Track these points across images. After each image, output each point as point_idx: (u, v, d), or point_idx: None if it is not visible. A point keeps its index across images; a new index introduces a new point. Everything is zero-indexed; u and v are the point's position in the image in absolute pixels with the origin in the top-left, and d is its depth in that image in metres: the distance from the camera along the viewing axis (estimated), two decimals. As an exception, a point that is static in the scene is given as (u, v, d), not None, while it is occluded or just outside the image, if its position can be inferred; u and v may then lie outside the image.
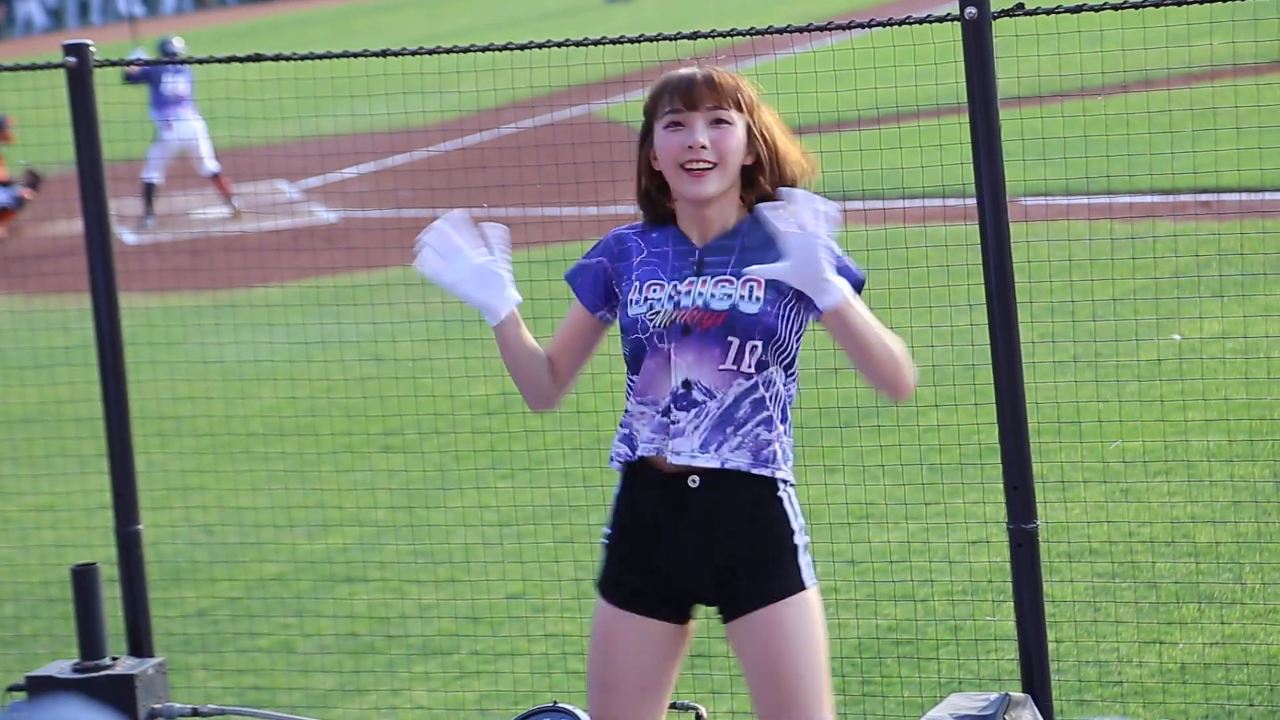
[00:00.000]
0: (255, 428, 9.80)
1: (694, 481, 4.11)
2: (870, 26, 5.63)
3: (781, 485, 4.16)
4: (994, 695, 5.29)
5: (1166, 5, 5.34)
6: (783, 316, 4.11)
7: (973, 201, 5.34)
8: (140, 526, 6.26)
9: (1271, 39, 7.90)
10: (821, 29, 5.62)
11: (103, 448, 6.37)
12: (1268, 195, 10.43)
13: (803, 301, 4.12)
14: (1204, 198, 11.44)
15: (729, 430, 4.09)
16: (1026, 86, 6.99)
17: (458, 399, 9.13)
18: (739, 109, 4.16)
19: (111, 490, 6.27)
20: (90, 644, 6.08)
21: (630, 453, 4.17)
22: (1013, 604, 5.38)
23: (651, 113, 4.19)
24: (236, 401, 10.39)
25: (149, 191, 18.64)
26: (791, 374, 4.18)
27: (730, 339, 4.09)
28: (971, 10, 5.23)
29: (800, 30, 5.59)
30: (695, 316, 4.11)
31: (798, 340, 4.16)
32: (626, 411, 4.20)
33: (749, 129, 4.17)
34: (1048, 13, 5.46)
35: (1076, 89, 8.97)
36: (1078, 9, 5.42)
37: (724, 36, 5.77)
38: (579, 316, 4.30)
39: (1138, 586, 6.78)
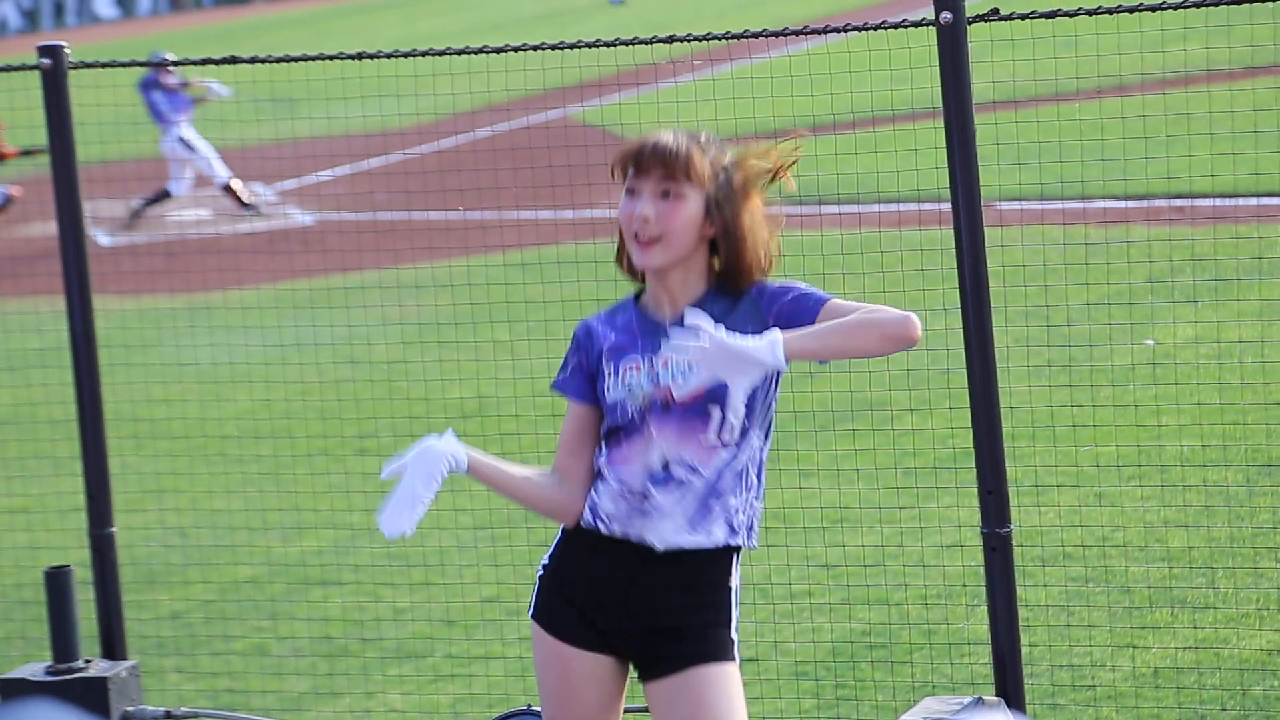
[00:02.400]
0: (230, 430, 9.78)
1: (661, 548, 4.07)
2: (846, 31, 5.64)
3: (736, 555, 4.11)
4: (967, 699, 5.30)
5: (1141, 10, 5.36)
6: (760, 382, 4.03)
7: (948, 206, 5.35)
8: (114, 529, 6.25)
9: (1244, 45, 7.93)
10: (797, 33, 5.63)
11: (76, 450, 6.36)
12: (1241, 201, 10.46)
13: None
14: (1178, 203, 11.47)
15: (713, 504, 4.05)
16: (1002, 91, 7.01)
17: (433, 402, 9.13)
18: (692, 181, 4.04)
19: (85, 492, 6.26)
20: (63, 646, 6.06)
21: (592, 521, 4.11)
22: (986, 608, 5.39)
23: (620, 174, 4.14)
24: (211, 404, 10.37)
25: (161, 196, 18.50)
26: (769, 433, 4.13)
27: (711, 408, 4.02)
28: (947, 15, 5.24)
29: (776, 34, 5.60)
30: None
31: (774, 397, 4.10)
32: (598, 475, 4.13)
33: (709, 202, 4.05)
34: (1022, 17, 5.48)
35: (1051, 94, 8.98)
36: (1052, 14, 5.43)
37: (700, 40, 5.78)
38: (579, 414, 4.19)
39: (1111, 591, 6.79)
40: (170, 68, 19.30)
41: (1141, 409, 7.96)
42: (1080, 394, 8.37)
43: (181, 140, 18.46)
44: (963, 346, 5.33)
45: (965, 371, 5.34)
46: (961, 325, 5.32)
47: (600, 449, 4.14)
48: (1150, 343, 9.42)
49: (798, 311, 4.03)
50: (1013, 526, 5.35)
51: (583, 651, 4.12)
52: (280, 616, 7.61)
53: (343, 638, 7.40)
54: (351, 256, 12.88)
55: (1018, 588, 5.38)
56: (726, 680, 4.06)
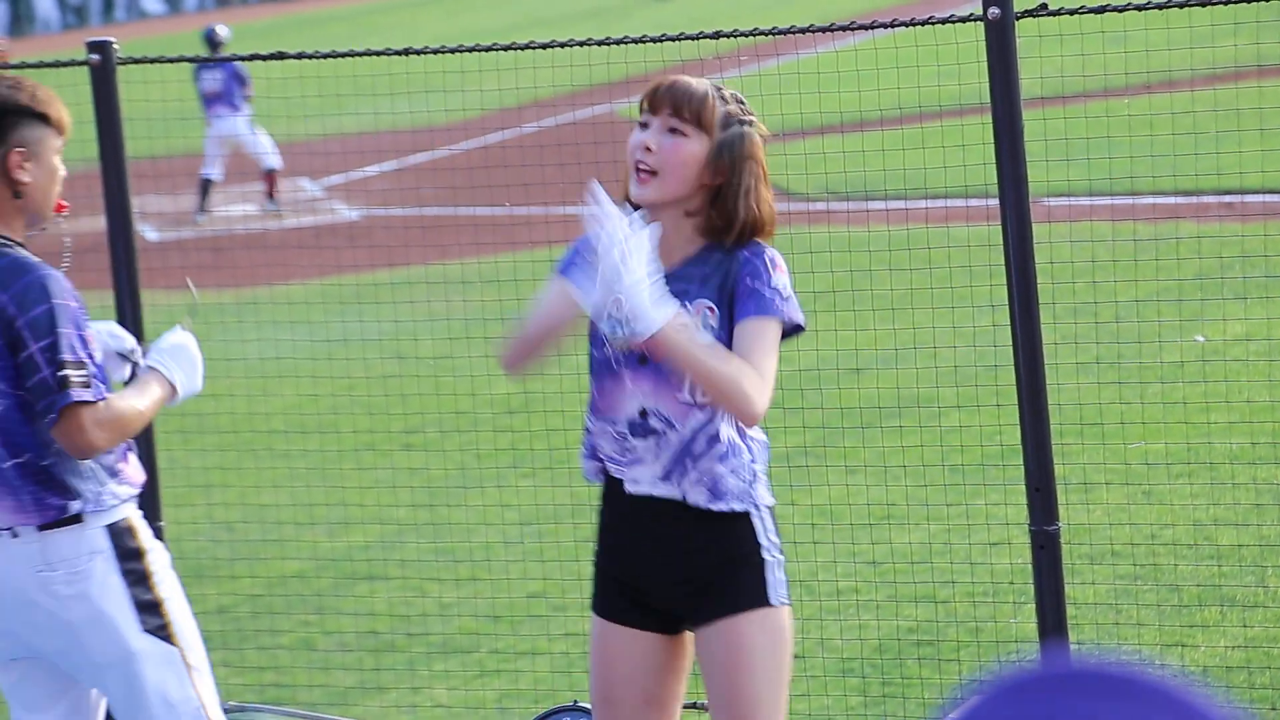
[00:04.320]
0: (277, 425, 9.81)
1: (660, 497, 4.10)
2: (893, 26, 5.61)
3: (750, 509, 4.09)
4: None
5: (1191, 6, 5.32)
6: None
7: (995, 202, 5.32)
8: (162, 523, 6.27)
9: (1296, 40, 7.87)
10: (843, 29, 5.61)
11: (125, 445, 6.38)
12: (1291, 197, 10.40)
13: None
14: (1227, 199, 11.41)
15: (688, 463, 4.04)
16: (1050, 87, 6.97)
17: (479, 397, 9.14)
18: (699, 125, 4.04)
19: (133, 487, 6.28)
20: (111, 641, 6.08)
21: (600, 465, 4.15)
22: (1034, 606, 5.37)
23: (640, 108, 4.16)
24: (258, 399, 10.40)
25: (205, 187, 18.69)
26: None
27: None
28: (994, 10, 5.21)
29: (822, 30, 5.58)
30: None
31: None
32: (586, 428, 4.16)
33: (713, 150, 4.03)
34: (1071, 13, 5.45)
35: (1100, 89, 8.94)
36: (1101, 9, 5.40)
37: (745, 36, 5.77)
38: (570, 305, 4.12)
39: (1159, 589, 6.76)
40: (211, 67, 19.43)
41: (1190, 406, 7.92)
42: (1129, 391, 8.33)
43: (249, 125, 18.83)
44: (1010, 343, 5.31)
45: (1012, 368, 5.33)
46: (1009, 322, 5.30)
47: (591, 396, 4.15)
48: (1199, 339, 9.38)
49: (741, 304, 4.00)
50: (1060, 524, 5.33)
51: (623, 628, 4.15)
52: (327, 611, 7.63)
53: (389, 632, 7.42)
54: (398, 252, 12.91)
55: (1065, 585, 5.35)
56: (763, 628, 4.05)
